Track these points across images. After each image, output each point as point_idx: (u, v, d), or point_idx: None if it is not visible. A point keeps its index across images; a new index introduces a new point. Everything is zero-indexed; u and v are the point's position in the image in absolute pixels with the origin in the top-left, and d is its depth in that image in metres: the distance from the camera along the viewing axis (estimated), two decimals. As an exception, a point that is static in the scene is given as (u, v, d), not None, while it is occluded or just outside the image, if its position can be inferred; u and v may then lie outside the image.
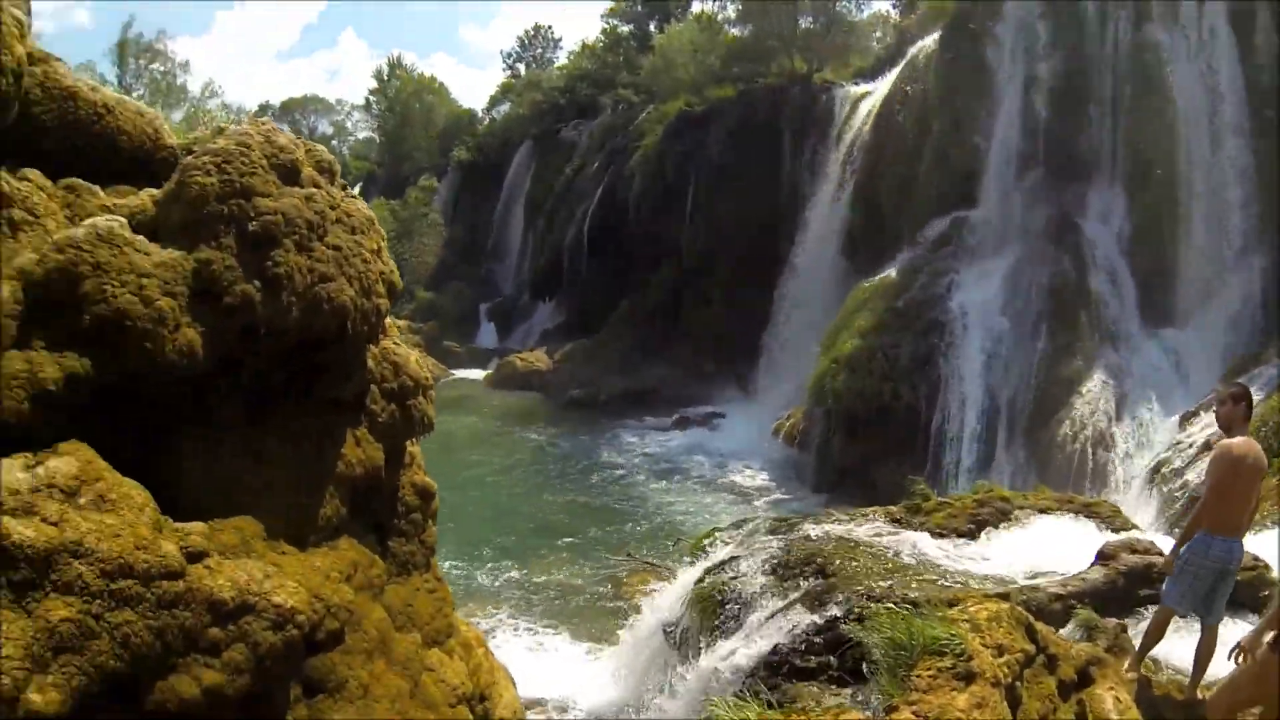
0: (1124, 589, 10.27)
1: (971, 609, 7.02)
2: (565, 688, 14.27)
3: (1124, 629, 9.04)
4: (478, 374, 47.72)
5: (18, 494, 5.23)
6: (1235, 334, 23.88)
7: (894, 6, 51.17)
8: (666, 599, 13.34)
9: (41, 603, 5.06)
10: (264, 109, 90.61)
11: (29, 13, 10.53)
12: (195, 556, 5.92)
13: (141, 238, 6.49)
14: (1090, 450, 22.22)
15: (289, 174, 7.36)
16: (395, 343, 9.29)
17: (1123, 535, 11.85)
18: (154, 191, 7.32)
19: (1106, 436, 22.31)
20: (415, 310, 54.36)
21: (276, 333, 6.99)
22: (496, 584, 19.38)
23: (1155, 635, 8.07)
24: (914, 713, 5.54)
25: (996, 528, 12.81)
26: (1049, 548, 11.99)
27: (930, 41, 33.92)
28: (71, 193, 7.15)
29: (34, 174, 6.89)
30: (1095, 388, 23.40)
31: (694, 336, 42.58)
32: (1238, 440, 7.39)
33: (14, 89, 6.52)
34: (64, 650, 5.06)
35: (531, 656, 15.68)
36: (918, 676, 5.96)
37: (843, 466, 26.07)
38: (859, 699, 6.87)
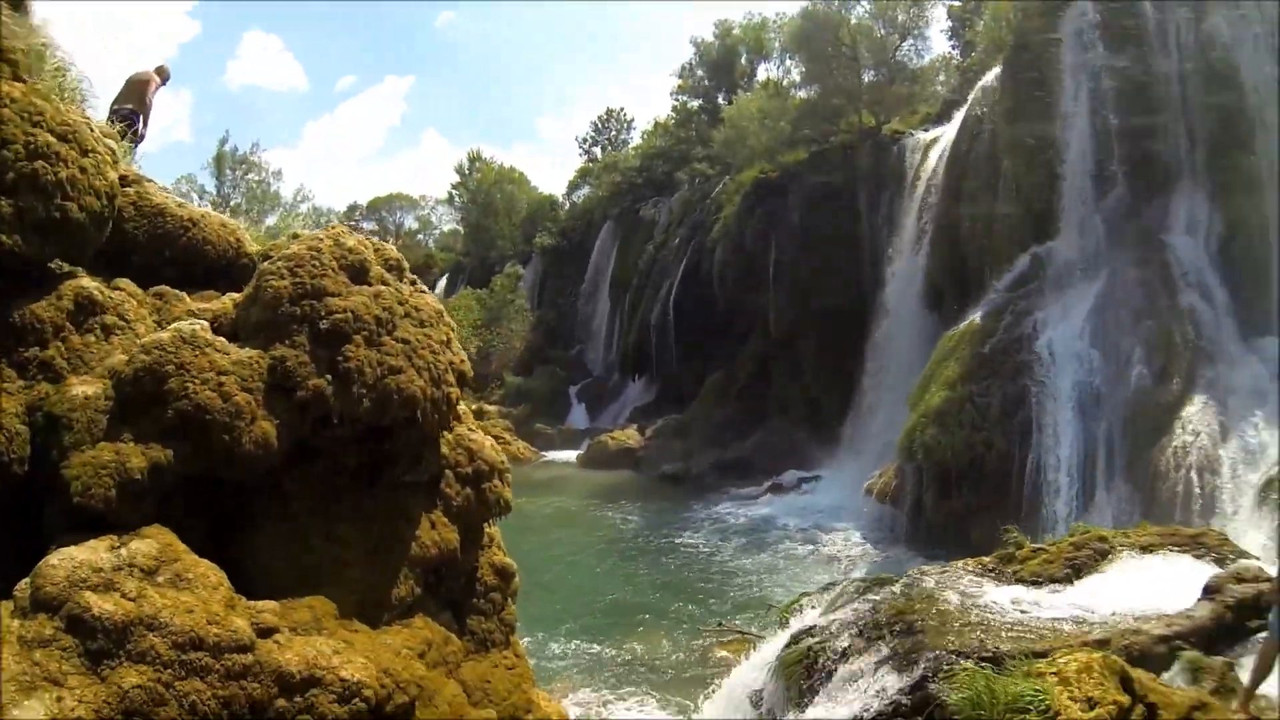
0: (1233, 623, 9.73)
1: (1060, 661, 6.65)
2: (653, 762, 13.95)
3: (1231, 667, 8.52)
4: (570, 455, 47.85)
5: (100, 571, 5.68)
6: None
7: (954, 48, 51.09)
8: (751, 667, 13.10)
9: (116, 670, 5.40)
10: (352, 209, 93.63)
11: (140, 139, 11.51)
12: (265, 632, 6.21)
13: (221, 339, 7.03)
14: (1196, 477, 21.21)
15: (358, 273, 7.85)
16: (470, 429, 9.64)
17: (1231, 565, 11.22)
18: (236, 296, 7.94)
19: (1212, 460, 21.30)
20: (505, 395, 54.91)
21: (349, 422, 7.39)
22: (583, 660, 19.11)
23: (1263, 670, 7.56)
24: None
25: (1095, 571, 12.27)
26: (1153, 586, 11.42)
27: (992, 77, 33.69)
28: (160, 299, 7.89)
29: (126, 283, 7.67)
30: (1196, 410, 22.44)
31: (785, 403, 42.58)
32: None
33: (107, 209, 7.33)
34: (134, 715, 5.34)
35: (620, 732, 15.42)
36: (1005, 741, 5.63)
37: (937, 523, 25.42)
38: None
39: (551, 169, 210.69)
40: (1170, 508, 20.65)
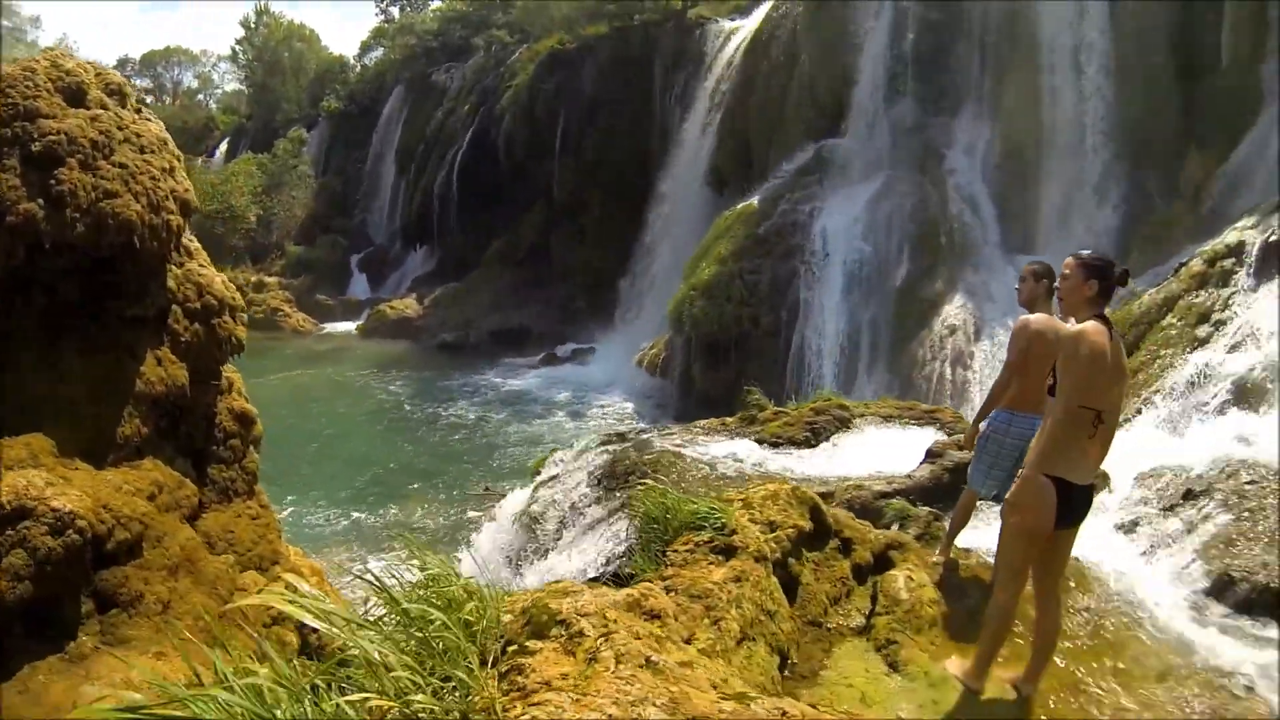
0: (949, 484, 10.17)
1: (751, 490, 6.65)
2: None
3: (937, 517, 8.84)
4: (351, 326, 46.54)
5: None
6: (1091, 259, 24.09)
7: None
8: (502, 520, 13.05)
9: None
10: (123, 63, 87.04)
11: None
12: (-26, 468, 6.05)
13: (-79, 167, 6.71)
14: (949, 369, 22.41)
15: (75, 96, 7.62)
16: (201, 265, 9.32)
17: (955, 436, 11.70)
18: (-60, 124, 7.63)
19: (965, 355, 22.49)
20: (286, 266, 52.63)
21: (64, 249, 7.21)
22: (355, 526, 18.91)
23: (962, 518, 7.81)
24: (664, 587, 5.07)
25: (834, 435, 12.63)
26: (886, 452, 11.87)
27: (803, -24, 33.59)
28: None
29: None
30: (955, 310, 23.60)
31: (566, 274, 42.54)
32: (1037, 316, 7.09)
33: None
34: None
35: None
36: (674, 552, 5.59)
37: (704, 393, 25.82)
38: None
39: (344, 29, 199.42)
40: (924, 394, 21.70)
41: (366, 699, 2.81)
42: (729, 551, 5.54)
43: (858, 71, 29.38)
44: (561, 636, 3.19)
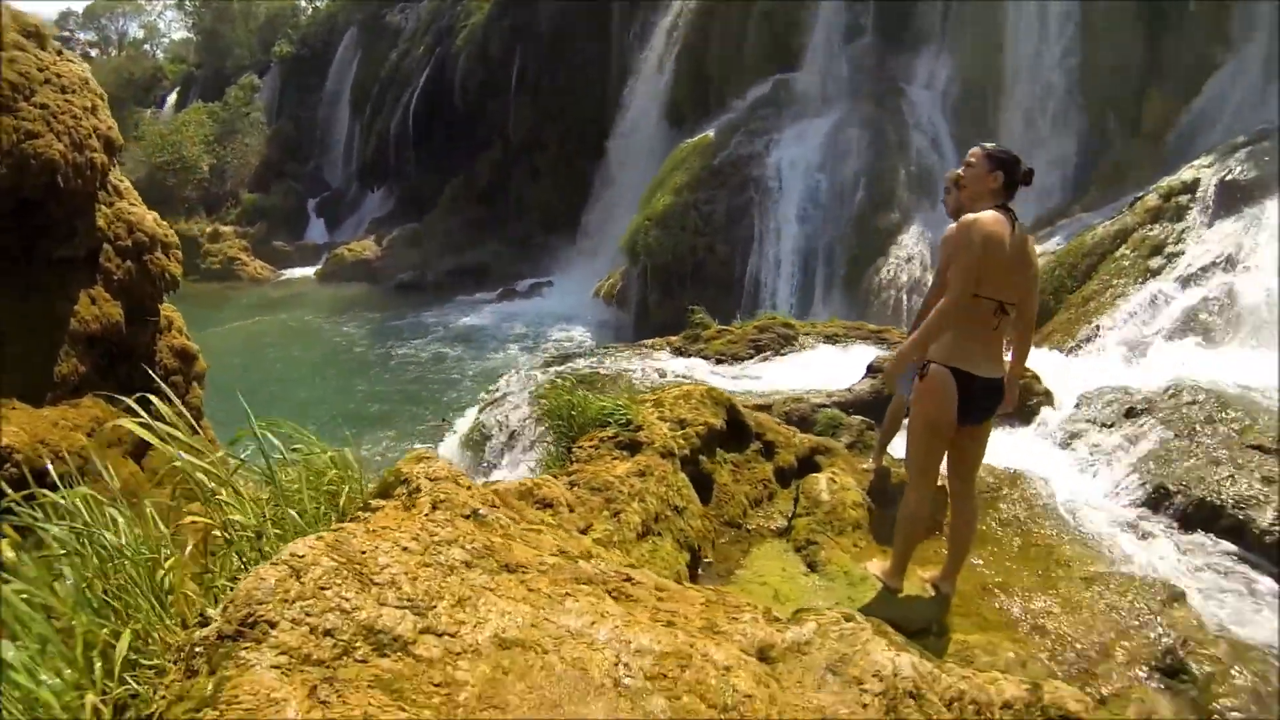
0: (889, 398, 9.94)
1: (664, 391, 6.53)
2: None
3: (869, 426, 8.73)
4: (309, 271, 46.06)
5: None
6: (1048, 193, 24.11)
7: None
8: (451, 446, 12.99)
9: None
10: (65, 17, 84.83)
11: None
12: (-90, 409, 6.15)
13: None
14: (906, 296, 22.53)
15: None
16: (131, 204, 9.45)
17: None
18: None
19: (922, 283, 22.50)
20: (242, 214, 51.75)
21: None
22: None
23: (892, 425, 7.69)
24: (568, 482, 4.92)
25: (779, 353, 12.55)
26: (829, 370, 11.75)
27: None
28: None
29: None
30: (911, 238, 23.70)
31: (523, 211, 42.31)
32: (965, 225, 6.92)
33: None
34: None
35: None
36: (579, 448, 5.47)
37: (660, 322, 25.65)
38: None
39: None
40: (881, 321, 21.63)
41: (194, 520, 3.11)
42: (634, 447, 5.43)
43: (817, 5, 29.27)
44: (403, 495, 3.15)
